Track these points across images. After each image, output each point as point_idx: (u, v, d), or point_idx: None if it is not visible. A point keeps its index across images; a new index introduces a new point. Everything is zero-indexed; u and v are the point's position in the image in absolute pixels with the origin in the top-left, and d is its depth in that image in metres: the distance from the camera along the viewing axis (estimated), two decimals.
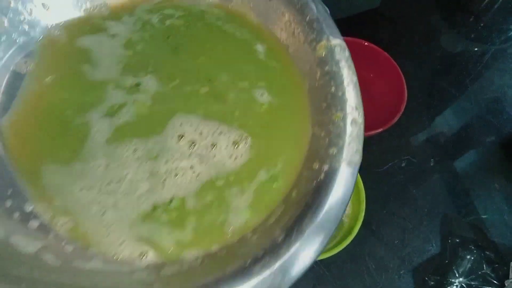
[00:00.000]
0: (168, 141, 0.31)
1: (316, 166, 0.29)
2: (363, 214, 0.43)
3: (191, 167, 0.30)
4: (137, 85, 0.33)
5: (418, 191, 0.51)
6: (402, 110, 0.47)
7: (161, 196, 0.29)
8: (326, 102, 0.31)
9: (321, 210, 0.26)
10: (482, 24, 0.68)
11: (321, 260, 0.40)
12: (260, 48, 0.36)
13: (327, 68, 0.32)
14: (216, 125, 0.32)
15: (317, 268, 0.45)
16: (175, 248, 0.28)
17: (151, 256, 0.27)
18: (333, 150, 0.28)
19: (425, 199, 0.50)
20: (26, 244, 0.25)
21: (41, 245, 0.25)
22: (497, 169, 0.54)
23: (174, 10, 0.37)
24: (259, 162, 0.31)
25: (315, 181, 0.28)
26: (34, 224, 0.27)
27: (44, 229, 0.27)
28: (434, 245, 0.47)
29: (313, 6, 0.33)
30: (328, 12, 0.33)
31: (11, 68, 0.31)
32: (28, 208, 0.28)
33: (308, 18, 0.33)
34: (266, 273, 0.23)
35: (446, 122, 0.58)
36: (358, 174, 0.45)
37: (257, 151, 0.31)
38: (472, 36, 0.67)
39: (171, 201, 0.29)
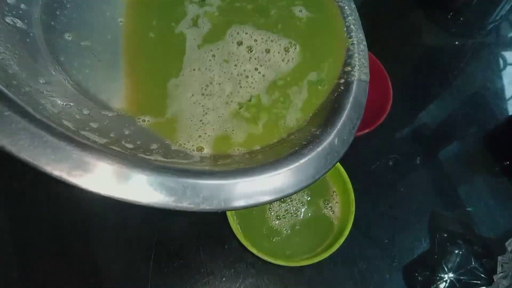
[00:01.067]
0: (230, 46, 0.36)
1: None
2: (352, 216, 0.43)
3: (256, 69, 0.36)
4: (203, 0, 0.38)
5: (406, 189, 0.51)
6: (388, 110, 0.47)
7: (242, 96, 0.34)
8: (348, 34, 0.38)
9: (345, 109, 0.32)
10: (461, 19, 0.69)
11: (312, 264, 0.40)
12: None
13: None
14: (267, 34, 0.37)
15: (309, 272, 0.44)
16: (246, 141, 0.32)
17: (207, 151, 0.31)
18: (348, 68, 0.35)
19: (413, 197, 0.51)
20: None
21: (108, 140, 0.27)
22: (481, 163, 0.56)
23: None
24: (308, 66, 0.36)
25: (336, 93, 0.34)
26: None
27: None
28: (423, 242, 0.48)
29: None
30: None
31: None
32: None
33: None
34: (314, 154, 0.28)
35: (431, 119, 0.59)
36: (347, 176, 0.45)
37: (305, 56, 0.37)
38: (453, 31, 0.68)
39: (250, 99, 0.34)
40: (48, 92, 0.27)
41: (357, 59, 0.36)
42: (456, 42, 0.68)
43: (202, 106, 0.33)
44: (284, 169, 0.27)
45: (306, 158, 0.28)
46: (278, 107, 0.34)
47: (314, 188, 0.46)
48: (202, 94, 0.34)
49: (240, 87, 0.35)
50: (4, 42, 0.27)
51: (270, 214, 0.45)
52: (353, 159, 0.50)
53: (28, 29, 0.30)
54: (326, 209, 0.46)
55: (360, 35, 0.38)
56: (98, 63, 0.32)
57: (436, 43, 0.68)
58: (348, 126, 0.31)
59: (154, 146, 0.29)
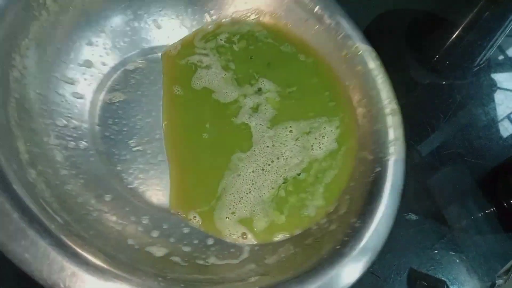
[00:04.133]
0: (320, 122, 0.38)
1: (369, 157, 0.34)
2: None
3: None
4: (260, 89, 0.40)
5: (386, 246, 0.52)
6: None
7: (297, 168, 0.36)
8: (369, 104, 0.37)
9: (383, 196, 0.31)
10: (448, 62, 0.73)
11: None
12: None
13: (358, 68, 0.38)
14: None
15: None
16: (286, 223, 0.33)
17: (250, 238, 0.32)
18: (382, 146, 0.34)
19: (394, 254, 0.49)
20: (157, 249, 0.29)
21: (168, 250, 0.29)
22: (458, 220, 0.55)
23: (227, 35, 0.42)
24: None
25: (372, 174, 0.33)
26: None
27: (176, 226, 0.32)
28: None
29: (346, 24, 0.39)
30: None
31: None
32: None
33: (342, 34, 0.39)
34: (355, 252, 0.27)
35: (415, 179, 0.56)
36: None
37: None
38: (439, 72, 0.72)
39: (300, 173, 0.36)
40: (114, 211, 0.30)
41: (392, 134, 0.34)
42: (444, 82, 0.72)
43: (253, 184, 0.35)
44: (326, 276, 0.26)
45: (348, 258, 0.27)
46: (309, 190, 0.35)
47: None
48: (262, 169, 0.35)
49: (312, 154, 0.36)
50: (69, 169, 0.30)
51: None
52: None
53: (89, 147, 0.33)
54: None
55: (394, 105, 0.36)
56: (151, 166, 0.34)
57: (423, 82, 0.71)
58: (386, 216, 0.30)
59: (210, 241, 0.31)
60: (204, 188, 0.34)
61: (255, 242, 0.32)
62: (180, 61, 0.40)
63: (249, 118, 0.38)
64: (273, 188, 0.35)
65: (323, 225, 0.32)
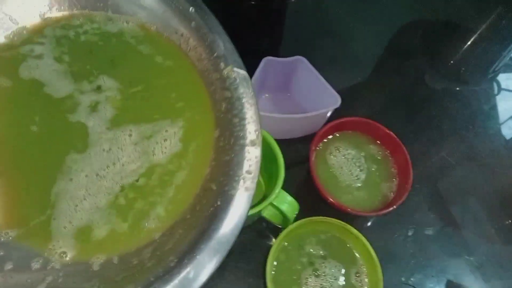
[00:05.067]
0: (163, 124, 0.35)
1: (213, 187, 0.30)
2: (382, 283, 0.44)
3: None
4: (99, 87, 0.36)
5: (424, 257, 0.52)
6: (409, 189, 0.48)
7: (136, 175, 0.32)
8: (229, 130, 0.33)
9: (212, 237, 0.26)
10: (463, 69, 0.73)
11: None
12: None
13: (228, 93, 0.34)
14: None
15: None
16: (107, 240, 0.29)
17: (69, 256, 0.28)
18: (231, 179, 0.29)
19: (432, 265, 0.52)
20: None
21: None
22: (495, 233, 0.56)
23: (87, 27, 0.39)
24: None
25: (211, 208, 0.28)
26: None
27: None
28: None
29: (221, 44, 0.36)
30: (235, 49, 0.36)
31: None
32: None
33: (216, 54, 0.36)
34: None
35: (447, 191, 0.59)
36: (368, 243, 0.45)
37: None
38: (454, 78, 0.72)
39: (138, 179, 0.32)
40: None
41: (245, 166, 0.29)
42: (458, 88, 0.72)
43: (86, 189, 0.31)
44: None
45: None
46: (156, 193, 0.31)
47: (345, 261, 0.47)
48: (97, 175, 0.32)
49: (153, 160, 0.33)
50: None
51: None
52: (377, 229, 0.53)
53: None
54: (357, 281, 0.46)
55: (256, 137, 0.31)
56: None
57: (438, 88, 0.71)
58: (203, 262, 0.25)
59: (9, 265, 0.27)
60: (35, 195, 0.31)
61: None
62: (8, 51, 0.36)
63: (86, 117, 0.34)
64: (109, 194, 0.31)
65: (144, 259, 0.28)
